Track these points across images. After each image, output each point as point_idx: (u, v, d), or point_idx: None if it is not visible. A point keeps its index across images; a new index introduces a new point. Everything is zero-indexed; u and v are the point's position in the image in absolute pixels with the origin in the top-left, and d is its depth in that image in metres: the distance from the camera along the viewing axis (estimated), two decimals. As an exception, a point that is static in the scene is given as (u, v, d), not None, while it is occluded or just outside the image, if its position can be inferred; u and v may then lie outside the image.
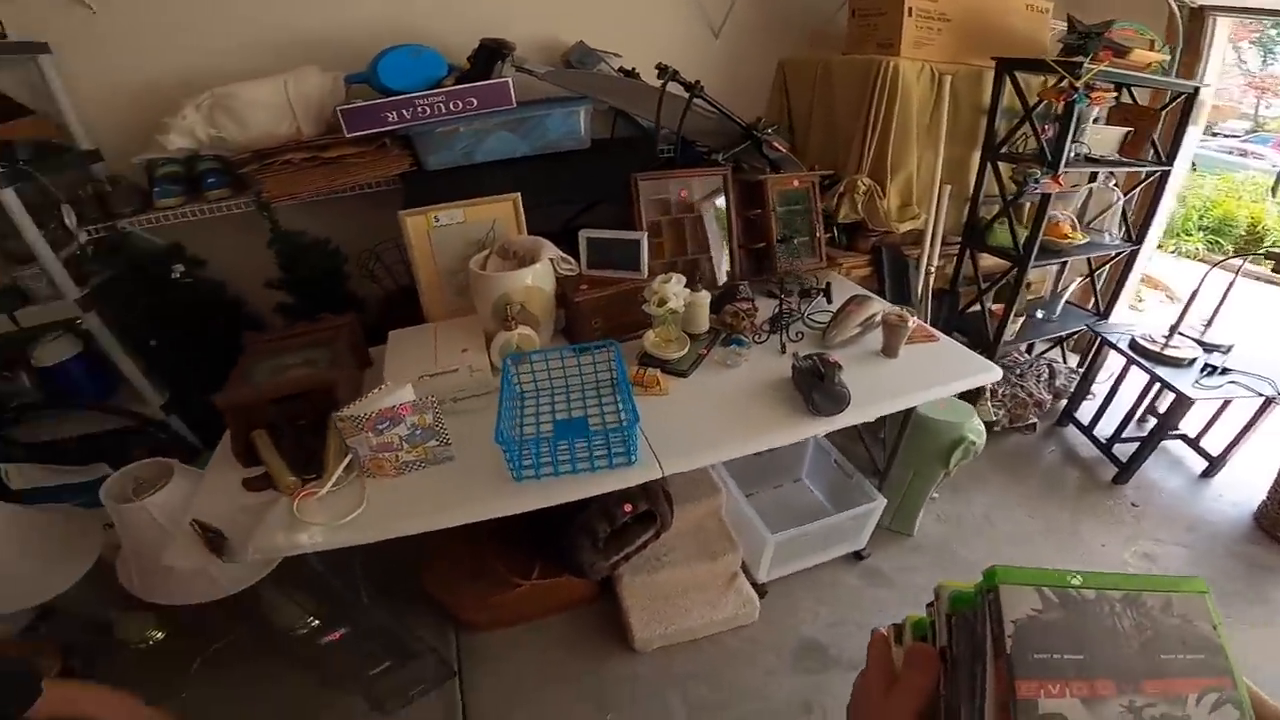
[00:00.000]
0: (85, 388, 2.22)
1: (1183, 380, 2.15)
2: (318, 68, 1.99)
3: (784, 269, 1.95)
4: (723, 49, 2.46)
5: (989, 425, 2.54)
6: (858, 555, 2.13)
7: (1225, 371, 2.18)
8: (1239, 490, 2.39)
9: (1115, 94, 2.18)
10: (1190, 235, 5.86)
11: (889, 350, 1.68)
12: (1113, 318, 2.78)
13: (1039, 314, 2.60)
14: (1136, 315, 3.70)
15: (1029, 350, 2.93)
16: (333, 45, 2.07)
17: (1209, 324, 2.36)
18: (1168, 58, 2.20)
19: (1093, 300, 2.73)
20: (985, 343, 2.41)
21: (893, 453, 1.97)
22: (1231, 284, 2.22)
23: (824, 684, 1.80)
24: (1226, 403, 2.34)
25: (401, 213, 1.83)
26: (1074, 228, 2.32)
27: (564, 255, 1.81)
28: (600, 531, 1.64)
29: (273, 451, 1.38)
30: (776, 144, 2.02)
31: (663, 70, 1.97)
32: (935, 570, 2.10)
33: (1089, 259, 2.56)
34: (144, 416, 2.20)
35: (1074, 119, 1.93)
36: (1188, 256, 5.71)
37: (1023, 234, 2.19)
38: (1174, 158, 2.33)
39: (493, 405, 1.38)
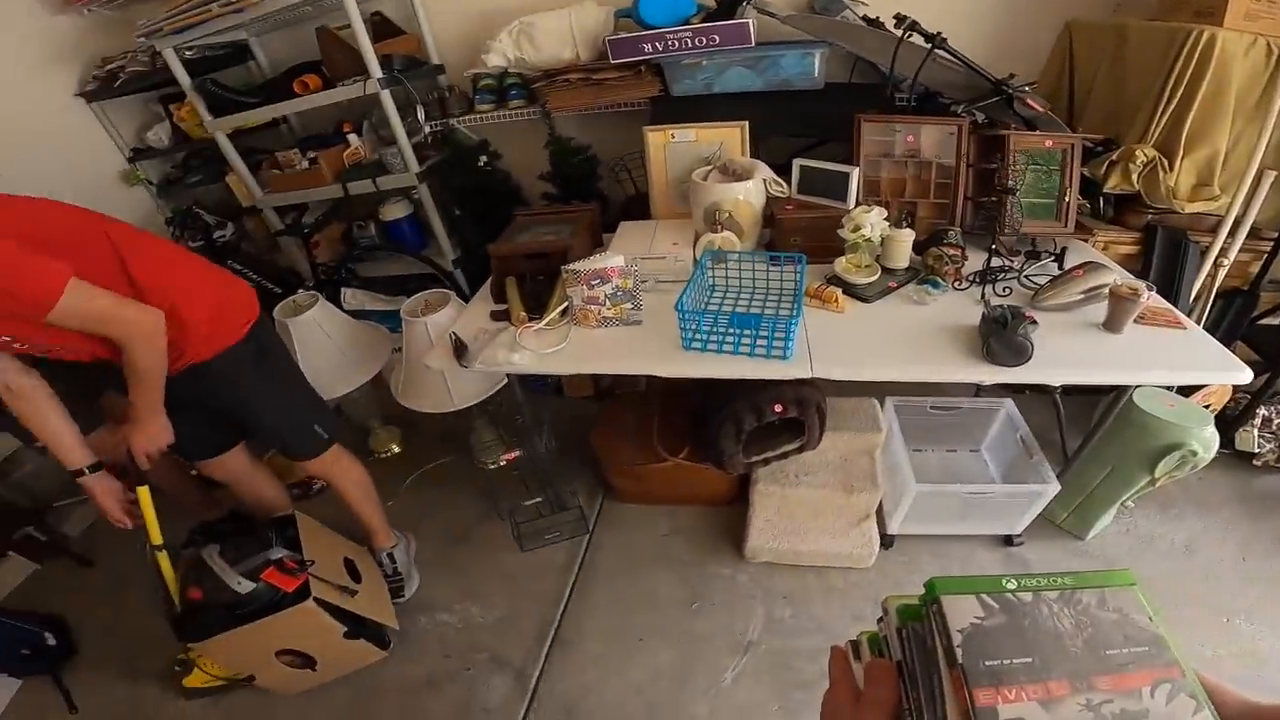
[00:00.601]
0: (410, 240, 2.99)
1: None
2: (595, 2, 2.32)
3: (1010, 226, 1.80)
4: (994, 2, 2.24)
5: (1247, 456, 2.09)
6: (1009, 539, 1.96)
7: None
8: None
9: None
10: None
11: (1112, 324, 1.49)
12: None
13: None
14: None
15: None
16: None
17: None
18: None
19: None
20: (1275, 360, 1.96)
21: (1088, 438, 1.74)
22: None
23: (897, 648, 1.76)
24: None
25: (646, 128, 2.12)
26: None
27: (777, 178, 1.94)
28: (746, 423, 1.77)
29: (516, 293, 1.80)
30: (1031, 101, 1.82)
31: (900, 20, 1.91)
32: None
33: None
34: (440, 267, 2.91)
35: None
36: None
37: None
38: None
39: (695, 290, 1.63)
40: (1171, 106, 1.81)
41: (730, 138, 2.07)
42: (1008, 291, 1.68)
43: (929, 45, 1.89)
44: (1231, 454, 2.16)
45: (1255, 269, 2.01)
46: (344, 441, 1.87)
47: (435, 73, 2.70)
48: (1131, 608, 0.36)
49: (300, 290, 2.67)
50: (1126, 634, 0.35)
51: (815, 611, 1.87)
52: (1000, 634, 0.35)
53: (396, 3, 2.59)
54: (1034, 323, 1.43)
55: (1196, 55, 1.73)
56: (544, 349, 1.62)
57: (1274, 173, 1.84)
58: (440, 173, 2.70)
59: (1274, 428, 2.09)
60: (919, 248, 1.78)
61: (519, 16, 2.36)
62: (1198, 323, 2.02)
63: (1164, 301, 1.62)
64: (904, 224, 1.74)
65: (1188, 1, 1.86)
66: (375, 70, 2.33)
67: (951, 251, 1.71)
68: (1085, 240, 1.95)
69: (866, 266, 1.70)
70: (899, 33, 1.92)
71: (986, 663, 0.34)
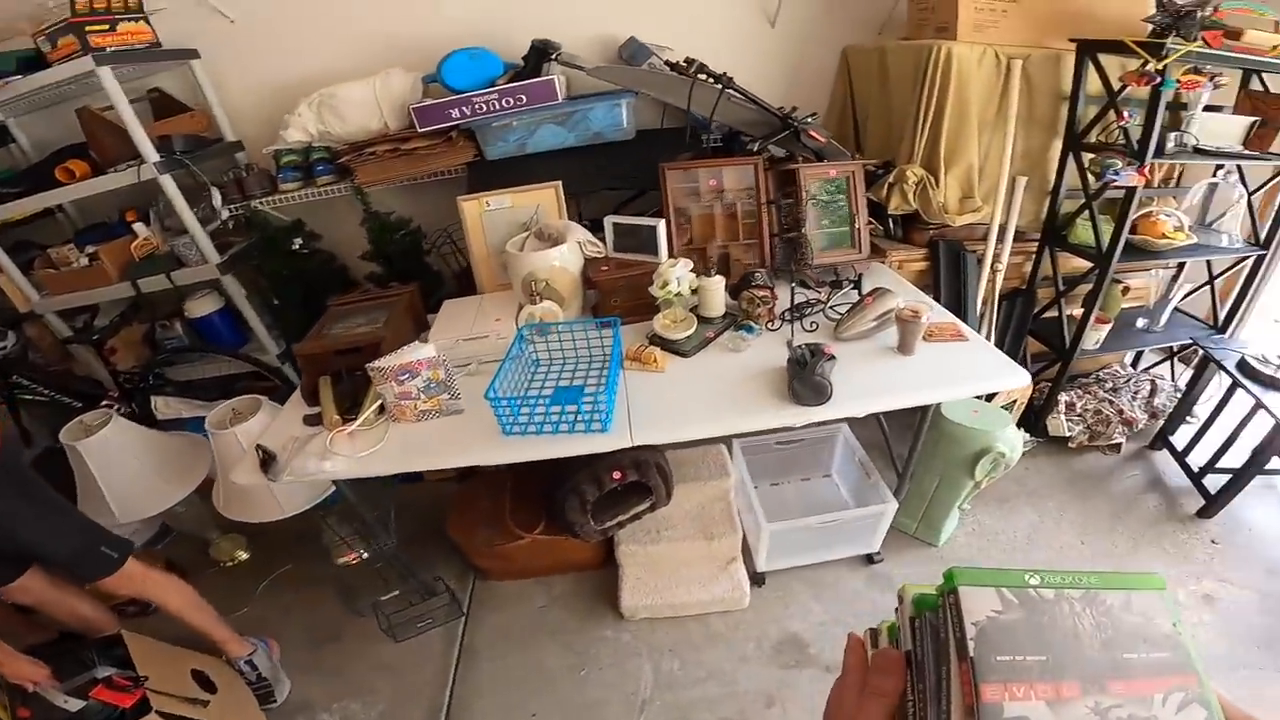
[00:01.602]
0: (225, 337, 2.71)
1: None
2: (403, 69, 2.23)
3: (812, 260, 1.89)
4: (780, 38, 2.39)
5: (1062, 441, 2.36)
6: (870, 558, 2.04)
7: None
8: None
9: (1217, 78, 1.87)
10: None
11: (904, 347, 1.58)
12: (1241, 333, 2.40)
13: (1140, 322, 2.31)
14: None
15: (1135, 363, 2.61)
16: (420, 49, 2.28)
17: None
18: None
19: (1211, 311, 2.35)
20: (1062, 351, 2.20)
21: (911, 453, 1.85)
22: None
23: (793, 680, 1.76)
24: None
25: (460, 198, 2.06)
26: (1180, 228, 2.02)
27: (592, 239, 1.93)
28: (589, 494, 1.76)
29: (328, 394, 1.68)
30: (814, 133, 1.95)
31: (689, 63, 2.04)
32: None
33: (1208, 264, 2.23)
34: (263, 363, 2.70)
35: (1160, 105, 1.68)
36: None
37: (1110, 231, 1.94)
38: None
39: (517, 370, 1.59)
40: (928, 124, 1.97)
41: (545, 200, 2.06)
42: (814, 327, 1.75)
43: (719, 86, 2.02)
44: (1048, 441, 2.37)
45: (1029, 269, 2.25)
46: (180, 554, 1.78)
47: (232, 150, 2.49)
48: (1156, 612, 0.35)
49: (102, 404, 2.40)
50: (1146, 638, 0.34)
51: (703, 659, 1.84)
52: (1016, 629, 0.34)
53: (179, 78, 2.38)
54: (832, 359, 1.51)
55: (940, 71, 1.89)
56: (360, 452, 1.53)
57: (1024, 179, 2.07)
58: (249, 260, 2.48)
59: (1078, 411, 2.30)
60: (734, 291, 1.83)
61: (319, 87, 2.25)
62: (987, 325, 2.23)
63: (949, 315, 1.74)
64: (714, 271, 1.81)
65: (929, 19, 2.05)
66: (150, 153, 2.10)
67: (761, 293, 1.79)
68: (882, 262, 2.10)
69: (682, 320, 1.71)
70: (690, 76, 2.04)
71: (998, 658, 0.33)
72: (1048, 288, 2.23)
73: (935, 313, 1.77)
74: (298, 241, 2.51)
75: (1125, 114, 1.79)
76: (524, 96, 2.10)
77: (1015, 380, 1.52)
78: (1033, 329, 2.28)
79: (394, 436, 1.54)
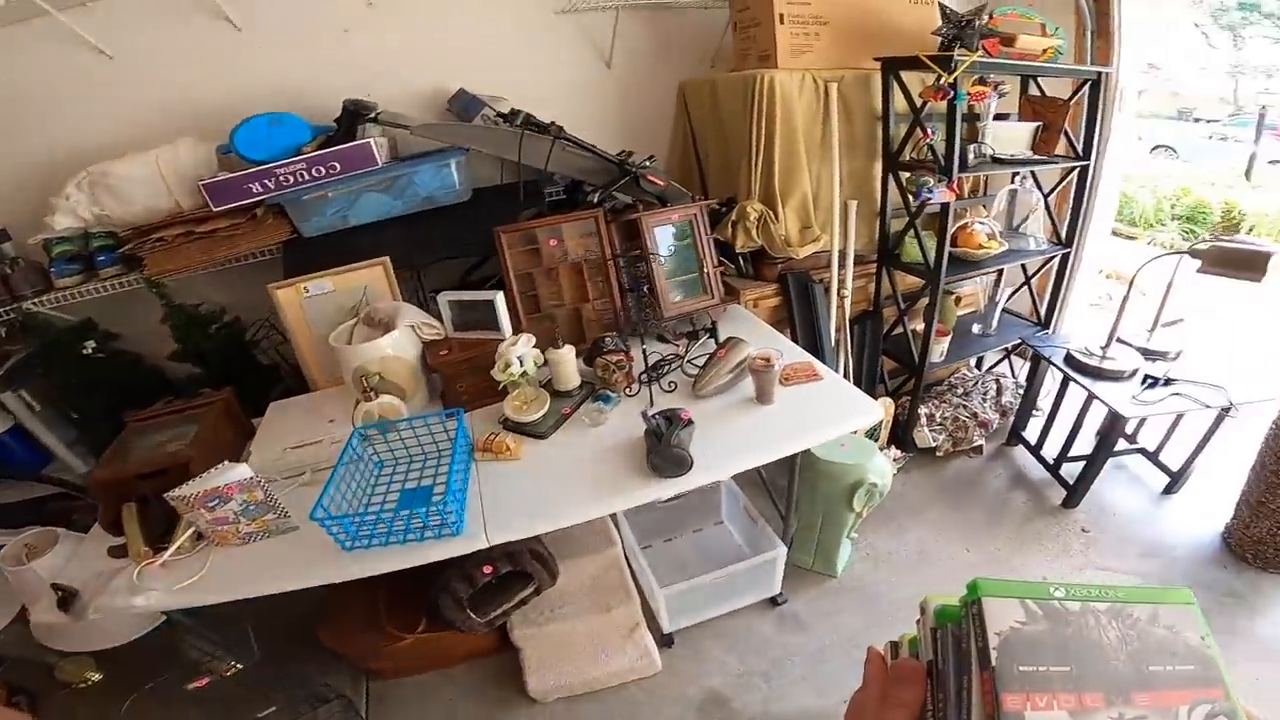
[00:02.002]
0: (22, 457, 2.29)
1: (1118, 395, 1.94)
2: (194, 139, 1.96)
3: (665, 313, 1.85)
4: (618, 78, 2.37)
5: (931, 451, 2.48)
6: (774, 600, 1.99)
7: (1169, 382, 1.97)
8: (1205, 507, 2.17)
9: (1000, 86, 2.02)
10: (1165, 225, 5.53)
11: (762, 397, 1.54)
12: (1065, 324, 2.65)
13: (975, 327, 2.47)
14: (1101, 315, 3.50)
15: (979, 365, 2.78)
16: (215, 114, 2.03)
17: (1153, 330, 2.19)
18: (1062, 42, 2.01)
19: (1033, 308, 2.55)
20: (913, 365, 2.30)
21: (789, 496, 1.83)
22: (1170, 285, 2.10)
23: (724, 741, 1.63)
24: (1181, 415, 2.11)
25: (270, 286, 1.83)
26: (993, 236, 2.17)
27: (428, 319, 1.77)
28: (461, 592, 1.60)
29: (133, 523, 1.41)
30: (653, 177, 1.91)
31: (513, 115, 1.97)
32: (857, 614, 1.92)
33: (1023, 266, 2.41)
34: (69, 484, 2.30)
35: (958, 119, 1.79)
36: (1163, 247, 5.23)
37: (934, 247, 2.04)
38: (1089, 151, 2.16)
39: (356, 474, 1.43)
40: (761, 156, 1.98)
41: (374, 279, 1.85)
42: (673, 386, 1.67)
43: (551, 136, 1.94)
44: (918, 453, 2.44)
45: (874, 290, 2.34)
46: (23, 677, 1.68)
47: (-7, 241, 2.14)
48: (1185, 625, 0.35)
49: None
50: (1174, 651, 0.34)
51: (630, 732, 1.70)
52: (1040, 641, 0.34)
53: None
54: (690, 424, 1.46)
55: (765, 100, 1.90)
56: (178, 583, 1.28)
57: (854, 203, 2.11)
58: (32, 370, 2.11)
59: (938, 420, 2.39)
60: (589, 357, 1.71)
61: (89, 164, 1.92)
62: (843, 351, 2.25)
63: (803, 355, 1.73)
64: (562, 341, 1.67)
65: (752, 48, 2.07)
66: None
67: (614, 358, 1.70)
68: (737, 302, 2.09)
69: (534, 400, 1.57)
70: (516, 128, 1.95)
71: (1021, 668, 0.33)
72: (892, 306, 2.33)
73: (789, 354, 1.77)
74: (90, 345, 2.16)
75: (929, 131, 1.89)
76: (337, 164, 1.91)
77: (870, 416, 1.53)
78: (885, 348, 2.37)
79: (218, 563, 1.35)
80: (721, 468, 1.43)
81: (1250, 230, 5.19)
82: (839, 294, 2.17)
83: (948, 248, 2.01)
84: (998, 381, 2.56)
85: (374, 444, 1.55)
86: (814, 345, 2.16)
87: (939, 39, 1.83)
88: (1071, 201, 2.31)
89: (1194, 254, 1.79)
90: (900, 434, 2.43)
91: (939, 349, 2.25)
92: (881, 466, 1.87)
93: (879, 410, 1.53)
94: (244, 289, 2.24)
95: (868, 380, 2.39)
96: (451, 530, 1.31)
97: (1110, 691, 0.33)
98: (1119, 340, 2.13)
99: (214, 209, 1.90)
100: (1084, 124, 2.18)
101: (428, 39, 2.20)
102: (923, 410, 2.38)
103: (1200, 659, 0.34)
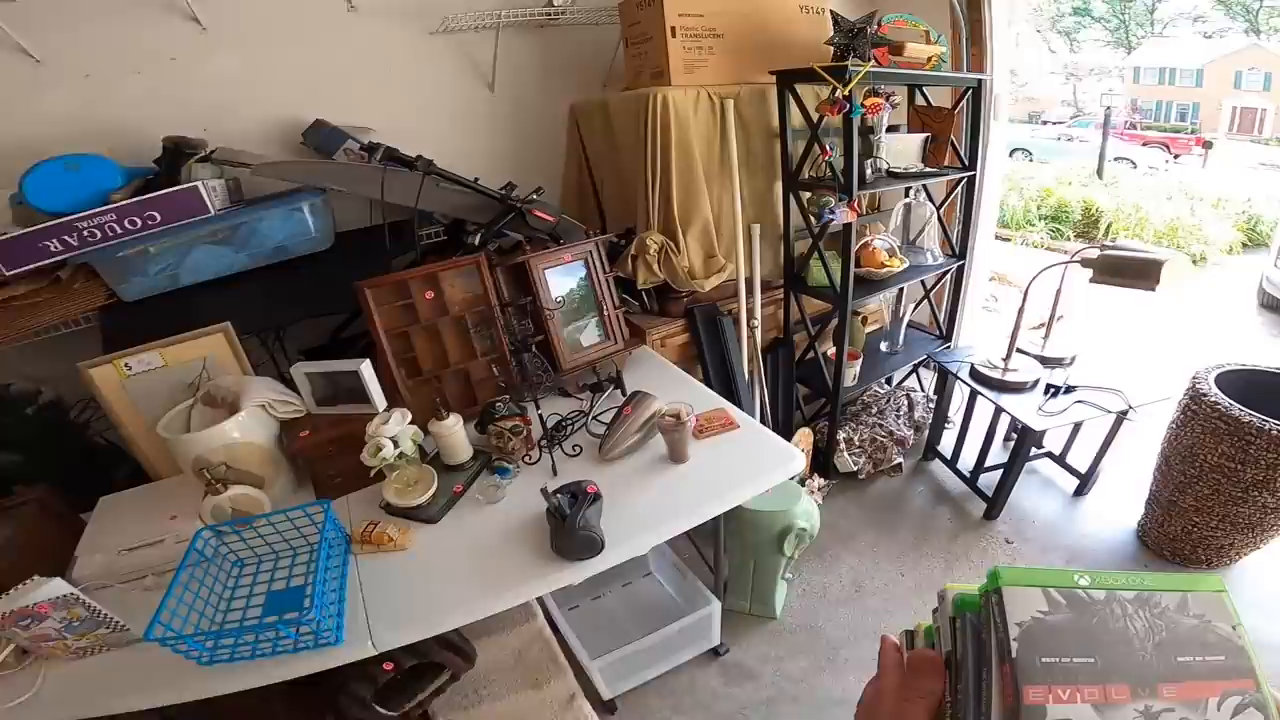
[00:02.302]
0: None
1: (1025, 408, 1.96)
2: None
3: (565, 365, 1.66)
4: (503, 103, 2.17)
5: (851, 475, 2.42)
6: (715, 651, 1.85)
7: (1070, 390, 2.00)
8: (1116, 505, 2.24)
9: (891, 97, 1.97)
10: (1033, 225, 5.90)
11: (675, 455, 1.39)
12: (963, 332, 2.67)
13: (883, 345, 2.44)
14: (993, 318, 3.63)
15: (888, 381, 2.72)
16: (8, 157, 1.65)
17: (1046, 337, 2.25)
18: (945, 49, 2.02)
19: (935, 322, 2.57)
20: (827, 391, 2.21)
21: (716, 549, 1.70)
22: (1058, 295, 2.15)
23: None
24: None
25: (82, 364, 1.51)
26: (893, 252, 2.14)
27: (284, 394, 1.48)
28: (362, 692, 1.40)
29: None
30: (541, 212, 1.73)
31: (373, 148, 1.74)
32: (802, 656, 1.81)
33: (922, 281, 2.40)
34: None
35: (855, 134, 1.72)
36: (1034, 246, 5.71)
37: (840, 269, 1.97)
38: (974, 160, 2.19)
39: (209, 577, 1.19)
40: (658, 182, 1.83)
41: (215, 348, 1.55)
42: (577, 450, 1.48)
43: (420, 171, 1.73)
44: (842, 478, 2.37)
45: (783, 317, 2.24)
46: None
47: None
48: (1215, 615, 0.34)
49: None
50: (1204, 641, 0.33)
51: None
52: (1063, 630, 0.33)
53: None
54: (596, 498, 1.29)
55: (659, 121, 1.76)
56: (7, 701, 1.07)
57: (757, 226, 2.03)
58: None
59: (857, 443, 2.33)
60: (481, 423, 1.50)
61: None
62: (757, 383, 2.14)
63: (717, 400, 1.60)
64: (445, 412, 1.42)
65: (644, 64, 1.92)
66: None
67: (509, 424, 1.53)
68: (644, 344, 1.94)
69: (418, 481, 1.35)
70: (378, 164, 1.71)
71: (1043, 659, 0.32)
72: (804, 332, 2.26)
73: (702, 401, 1.63)
74: None
75: (828, 148, 1.82)
76: (157, 213, 1.59)
77: (792, 466, 1.40)
78: (799, 375, 2.30)
79: (51, 679, 1.12)
80: (637, 542, 1.26)
81: (1109, 227, 5.62)
82: (749, 325, 2.08)
83: (852, 269, 1.95)
84: (909, 397, 2.56)
85: (228, 542, 1.28)
86: (727, 382, 2.04)
87: (832, 49, 1.75)
88: (961, 212, 2.33)
89: (1084, 263, 1.81)
90: (822, 460, 2.36)
91: (852, 372, 2.19)
92: (808, 509, 1.77)
93: (800, 459, 1.42)
94: (64, 359, 1.87)
95: (784, 411, 2.31)
96: (330, 638, 1.09)
97: (1136, 683, 0.31)
98: (1018, 350, 2.15)
99: (5, 272, 1.55)
100: (967, 132, 2.20)
101: (277, 65, 1.92)
102: (841, 435, 2.33)
103: (1231, 649, 0.33)
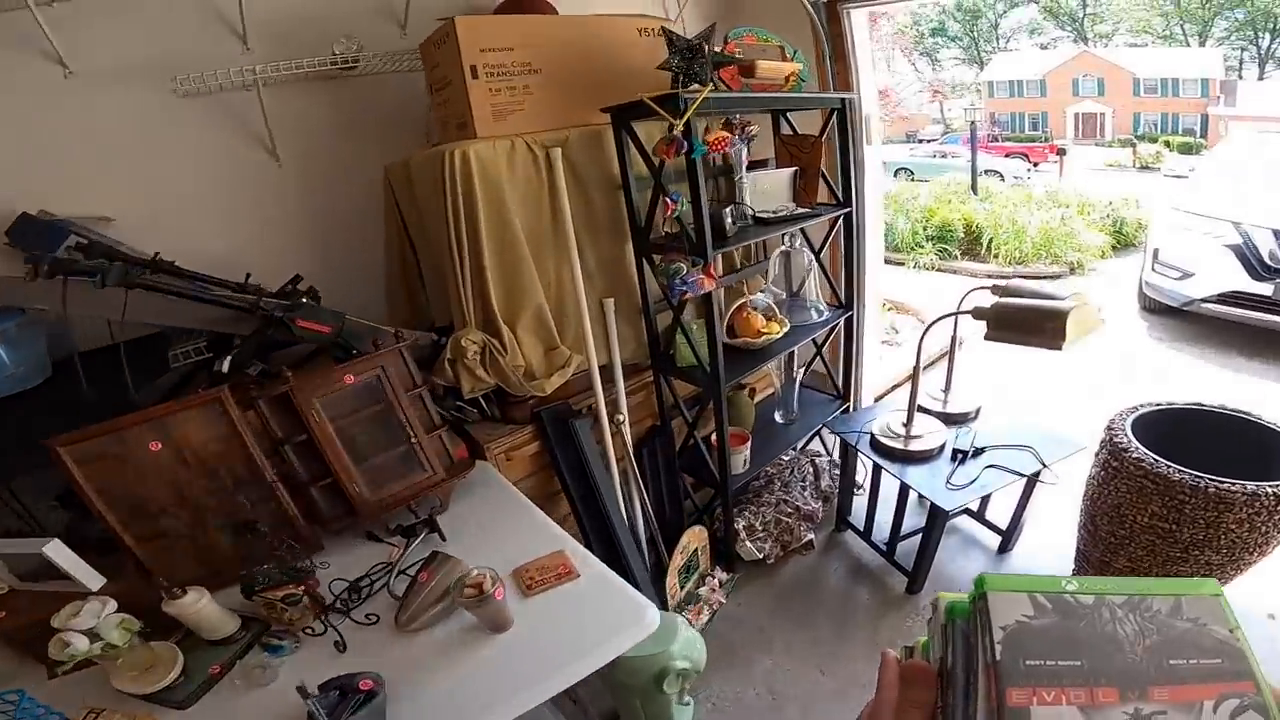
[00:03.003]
0: None
1: (933, 482, 1.71)
2: None
3: (368, 501, 1.28)
4: (293, 174, 1.76)
5: (758, 562, 2.10)
6: None
7: (979, 453, 1.77)
8: (1045, 561, 2.03)
9: (748, 128, 1.72)
10: (922, 248, 5.86)
11: (493, 626, 1.04)
12: (864, 380, 2.46)
13: (777, 416, 2.15)
14: (893, 353, 3.48)
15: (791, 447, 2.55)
16: None
17: (947, 390, 2.05)
18: (803, 66, 1.79)
19: (830, 381, 2.28)
20: (714, 483, 1.88)
21: (584, 710, 1.39)
22: (954, 342, 1.94)
23: None
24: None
25: None
26: (774, 315, 1.86)
27: None
28: None
29: None
30: (306, 320, 1.32)
31: (87, 249, 1.29)
32: None
33: (813, 339, 2.09)
34: None
35: (701, 179, 1.41)
36: (926, 268, 5.65)
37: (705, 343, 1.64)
38: (849, 192, 1.95)
39: None
40: (467, 265, 1.46)
41: None
42: (373, 619, 1.10)
43: (113, 281, 1.27)
44: (748, 566, 2.06)
45: (656, 402, 1.90)
46: None
47: None
48: (1211, 618, 0.33)
49: None
50: (1199, 645, 0.32)
51: None
52: (1048, 634, 0.32)
53: None
54: (371, 696, 0.90)
55: (459, 184, 1.38)
56: None
57: (610, 301, 1.70)
58: None
59: (759, 528, 2.03)
60: (247, 590, 1.08)
61: None
62: (634, 481, 1.80)
63: (559, 537, 1.25)
64: (181, 590, 1.06)
65: (449, 115, 1.57)
66: None
67: (279, 593, 1.13)
68: (483, 459, 1.56)
69: (153, 665, 0.96)
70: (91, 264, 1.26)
71: (1027, 662, 0.31)
72: (679, 416, 1.91)
73: (542, 538, 1.27)
74: None
75: (671, 199, 1.49)
76: None
77: (641, 626, 1.06)
78: (683, 465, 1.96)
79: None
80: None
81: (989, 243, 5.66)
82: (613, 421, 1.72)
83: (722, 341, 1.64)
84: (814, 463, 2.28)
85: None
86: (590, 496, 1.68)
87: (669, 74, 1.45)
88: (843, 253, 2.10)
89: (977, 315, 1.57)
90: (723, 549, 2.02)
91: (741, 457, 1.88)
92: (688, 644, 1.43)
93: (654, 617, 1.07)
94: None
95: (671, 507, 1.96)
96: None
97: (1125, 686, 0.30)
98: (919, 409, 1.89)
99: None
100: (838, 161, 1.97)
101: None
102: (740, 524, 2.00)
103: (1229, 652, 0.31)
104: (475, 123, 1.45)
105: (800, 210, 1.87)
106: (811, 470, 2.24)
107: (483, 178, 1.42)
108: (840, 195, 1.99)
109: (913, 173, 11.13)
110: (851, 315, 2.10)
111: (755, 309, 1.83)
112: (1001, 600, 0.34)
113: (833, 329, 2.13)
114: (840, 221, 2.04)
